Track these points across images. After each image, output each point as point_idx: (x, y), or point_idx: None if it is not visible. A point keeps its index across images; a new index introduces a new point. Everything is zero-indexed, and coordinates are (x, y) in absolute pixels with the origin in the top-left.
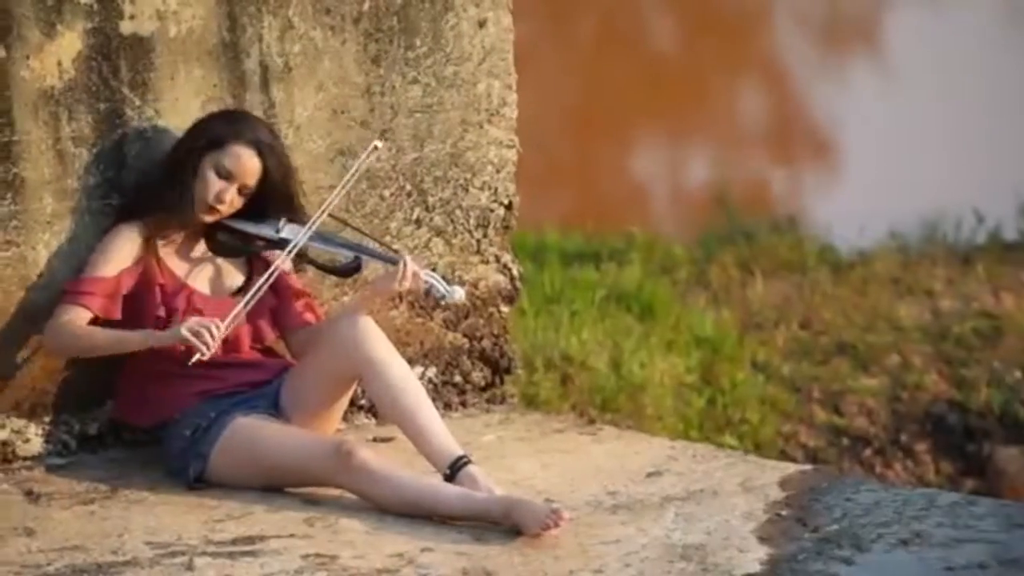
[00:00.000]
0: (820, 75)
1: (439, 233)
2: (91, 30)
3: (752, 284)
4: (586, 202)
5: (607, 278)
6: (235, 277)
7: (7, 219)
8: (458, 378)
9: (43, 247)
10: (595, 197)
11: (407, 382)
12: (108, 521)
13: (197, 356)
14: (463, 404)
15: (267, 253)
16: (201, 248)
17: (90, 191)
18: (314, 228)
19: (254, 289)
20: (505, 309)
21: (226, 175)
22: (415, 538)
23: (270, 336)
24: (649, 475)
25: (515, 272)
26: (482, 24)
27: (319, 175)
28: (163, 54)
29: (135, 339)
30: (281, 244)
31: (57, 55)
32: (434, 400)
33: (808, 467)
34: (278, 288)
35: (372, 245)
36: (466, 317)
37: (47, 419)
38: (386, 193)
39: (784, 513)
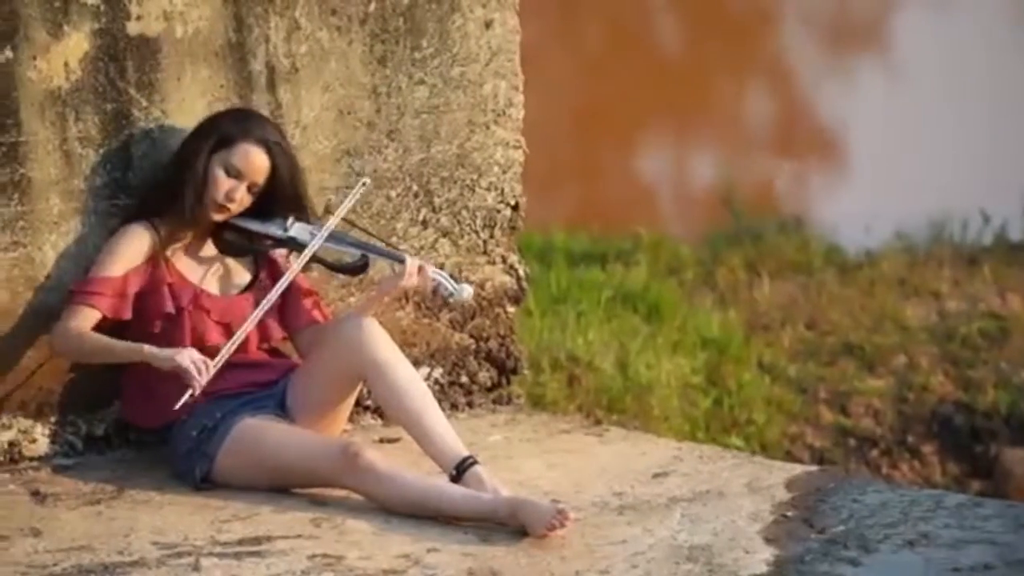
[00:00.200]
0: (827, 76)
1: (445, 234)
2: (98, 31)
3: (758, 285)
4: (593, 203)
5: (613, 279)
6: (242, 276)
7: (14, 220)
8: (464, 379)
9: (50, 248)
10: (601, 198)
11: (412, 384)
12: (115, 521)
13: (188, 394)
14: (469, 405)
15: (275, 252)
16: (208, 247)
17: (97, 192)
18: (324, 236)
19: (266, 300)
20: (511, 310)
21: (236, 174)
22: (421, 539)
23: (278, 335)
24: (655, 476)
25: (521, 273)
26: (488, 25)
27: (325, 176)
28: (170, 55)
29: (133, 352)
30: (289, 243)
31: (64, 56)
32: (440, 401)
33: (814, 468)
34: (285, 288)
35: (379, 244)
36: (472, 318)
37: (54, 419)
38: (392, 194)
39: (790, 514)
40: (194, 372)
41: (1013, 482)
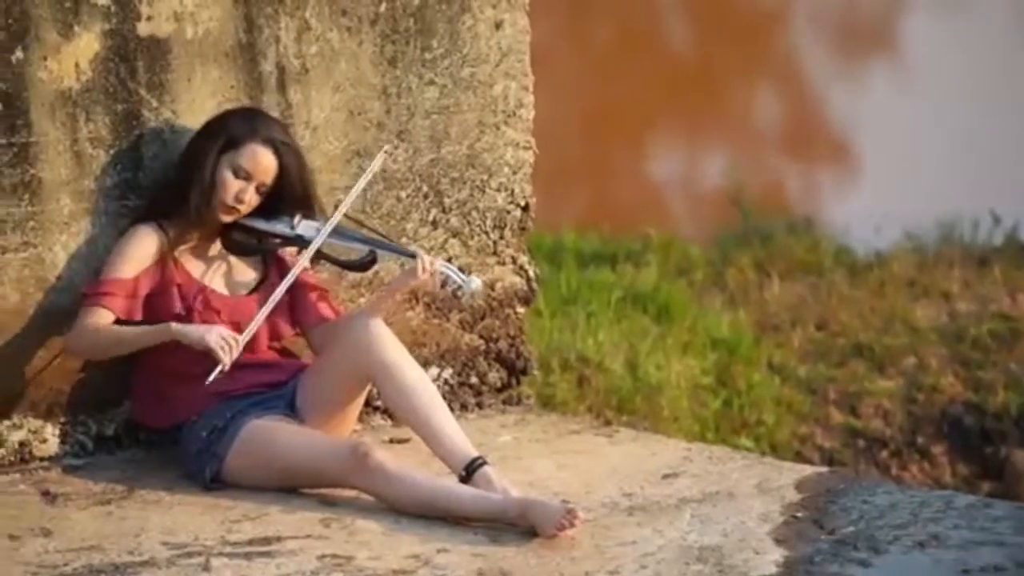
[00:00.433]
0: (836, 77)
1: (455, 234)
2: (108, 31)
3: (768, 285)
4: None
5: (623, 279)
6: (251, 275)
7: (24, 220)
8: (474, 379)
9: (60, 248)
10: (611, 198)
11: (420, 385)
12: (125, 521)
13: (219, 369)
14: (479, 405)
15: (282, 251)
16: (216, 247)
17: (107, 192)
18: (330, 229)
19: (275, 295)
20: (521, 310)
21: (244, 175)
22: (431, 539)
23: (288, 333)
24: (665, 477)
25: (531, 273)
26: (499, 26)
27: (335, 176)
28: (180, 55)
29: (159, 332)
30: (296, 241)
31: (74, 56)
32: (450, 401)
33: (824, 469)
34: (294, 284)
35: (387, 241)
36: (482, 318)
37: (64, 420)
38: (403, 194)
39: (800, 515)
40: (221, 353)
41: (1023, 483)
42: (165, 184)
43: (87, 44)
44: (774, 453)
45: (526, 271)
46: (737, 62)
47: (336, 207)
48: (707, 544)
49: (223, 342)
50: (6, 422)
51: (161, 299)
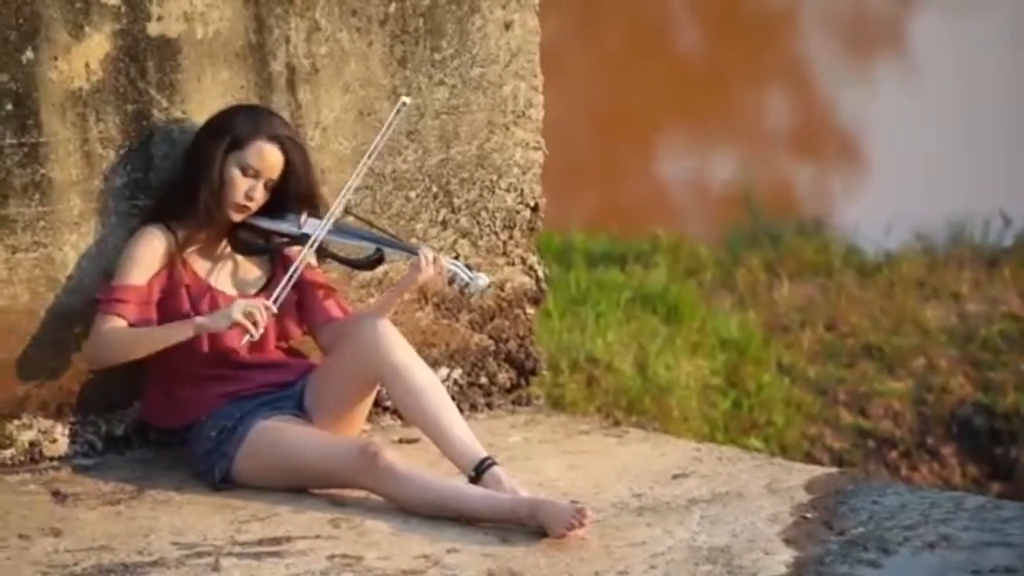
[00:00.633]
0: (845, 77)
1: (465, 234)
2: (118, 32)
3: (778, 286)
4: (612, 204)
5: (633, 280)
6: (257, 274)
7: (35, 220)
8: (484, 379)
9: (70, 248)
10: (621, 199)
11: (429, 385)
12: (134, 521)
13: (247, 338)
14: (489, 405)
15: (289, 249)
16: (224, 247)
17: (117, 192)
18: (336, 214)
19: (290, 273)
20: (531, 310)
21: (253, 173)
22: (440, 539)
23: (296, 333)
24: (675, 477)
25: (541, 274)
26: (508, 26)
27: (345, 176)
28: (190, 56)
29: (181, 330)
30: (303, 239)
31: (85, 56)
32: (459, 402)
33: (834, 470)
34: (301, 284)
35: (391, 238)
36: (492, 319)
37: (74, 419)
38: (412, 194)
39: (810, 516)
40: (248, 323)
41: None
42: (172, 184)
43: (97, 44)
44: (783, 454)
45: (535, 271)
46: (747, 63)
47: (347, 210)
48: (716, 545)
49: (249, 310)
50: (16, 422)
51: (170, 300)
